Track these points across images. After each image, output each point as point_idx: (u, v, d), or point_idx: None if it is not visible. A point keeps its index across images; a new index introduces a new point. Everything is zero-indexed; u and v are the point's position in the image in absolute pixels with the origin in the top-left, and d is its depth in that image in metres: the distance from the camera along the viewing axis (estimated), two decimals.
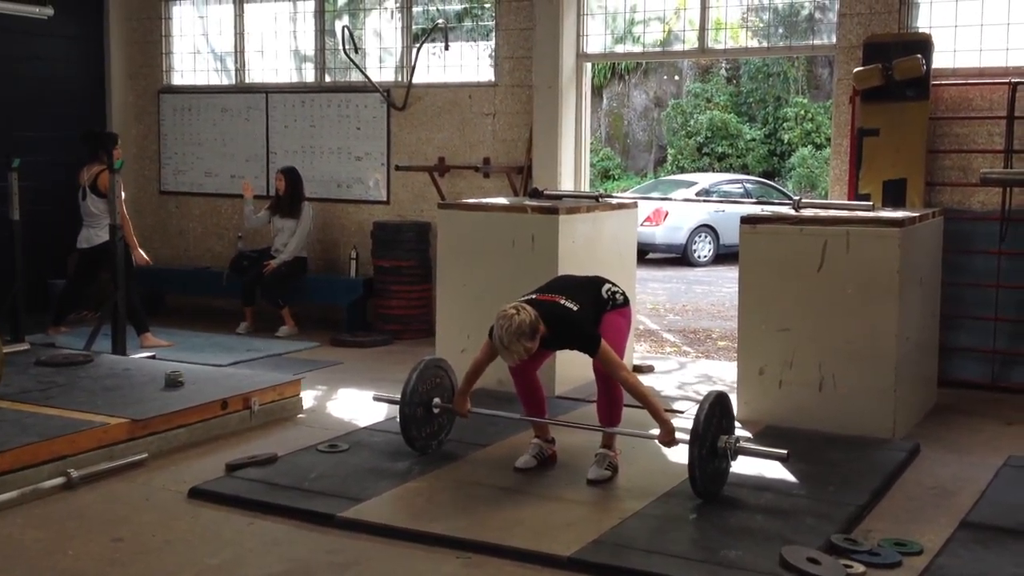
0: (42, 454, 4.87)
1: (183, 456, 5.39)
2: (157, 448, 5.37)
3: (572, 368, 6.45)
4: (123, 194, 7.74)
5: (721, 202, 16.52)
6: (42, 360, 6.67)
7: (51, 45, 9.60)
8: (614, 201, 7.46)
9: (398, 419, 5.22)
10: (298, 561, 4.05)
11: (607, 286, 5.11)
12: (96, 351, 7.21)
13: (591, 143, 9.64)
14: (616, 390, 4.95)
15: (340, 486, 4.79)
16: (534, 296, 4.93)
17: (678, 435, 4.73)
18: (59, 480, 4.81)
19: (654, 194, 17.59)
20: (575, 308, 4.85)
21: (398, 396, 5.23)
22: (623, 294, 5.15)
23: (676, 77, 25.88)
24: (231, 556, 4.10)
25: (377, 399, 5.81)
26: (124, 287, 7.47)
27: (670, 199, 16.73)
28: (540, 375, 5.23)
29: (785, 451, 4.72)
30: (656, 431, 4.82)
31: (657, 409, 4.81)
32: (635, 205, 7.60)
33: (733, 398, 6.25)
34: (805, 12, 8.53)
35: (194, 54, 10.06)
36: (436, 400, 5.31)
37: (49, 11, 8.48)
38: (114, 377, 6.32)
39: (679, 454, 5.38)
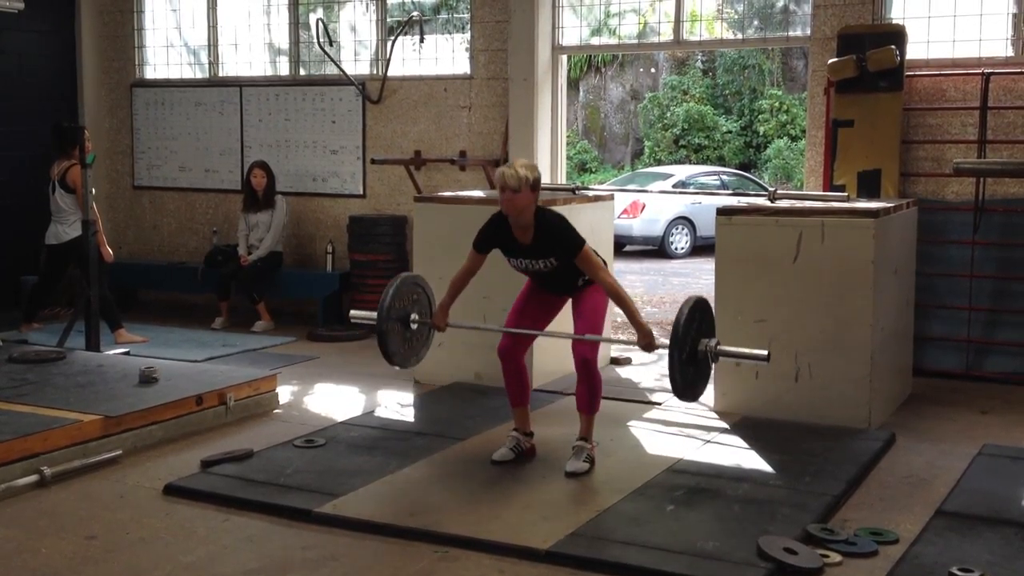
0: (15, 452, 4.82)
1: (158, 453, 5.35)
2: (131, 445, 5.33)
3: (551, 361, 6.45)
4: (93, 189, 7.67)
5: (698, 194, 16.54)
6: (14, 357, 6.61)
7: (22, 39, 9.49)
8: (591, 193, 7.45)
9: (376, 335, 5.10)
10: (274, 557, 4.03)
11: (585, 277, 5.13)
12: (69, 347, 7.15)
13: (568, 136, 9.65)
14: (595, 378, 4.96)
15: (316, 481, 4.76)
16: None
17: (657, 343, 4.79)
18: (32, 478, 4.77)
19: (631, 186, 17.60)
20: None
21: (375, 314, 5.12)
22: None
23: (652, 70, 25.90)
24: (206, 553, 4.07)
25: (354, 318, 5.65)
26: (98, 283, 7.41)
27: (647, 191, 16.73)
28: None
29: (766, 352, 4.73)
30: (636, 358, 4.86)
31: (636, 315, 4.83)
32: (612, 197, 7.60)
33: (710, 390, 6.28)
34: (780, 4, 8.56)
35: (167, 47, 9.98)
36: (414, 316, 5.23)
37: (20, 4, 8.38)
38: (87, 374, 6.27)
39: (657, 447, 5.40)
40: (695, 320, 4.65)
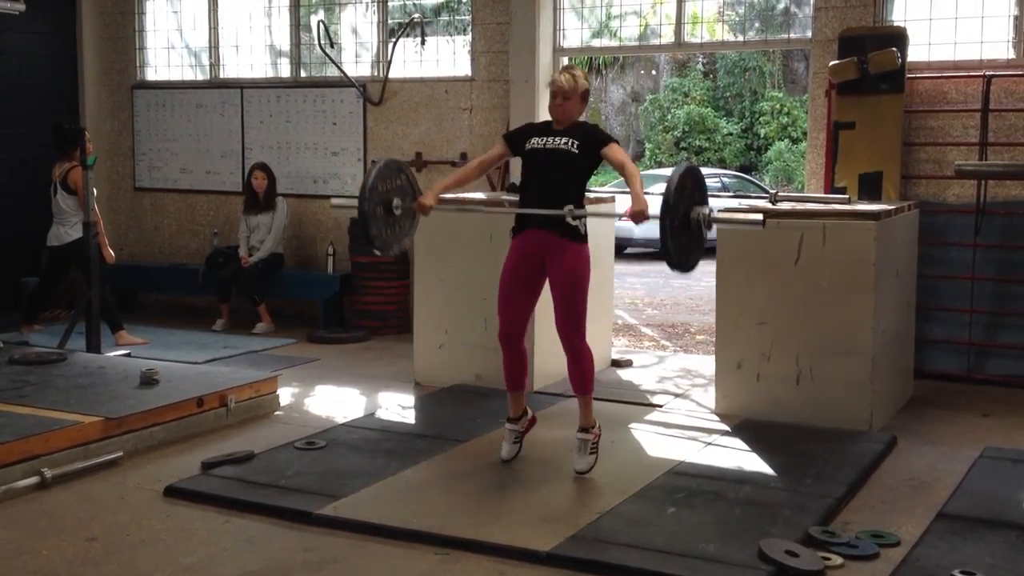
0: (15, 453, 4.81)
1: (159, 454, 5.34)
2: (132, 446, 5.32)
3: (552, 363, 6.44)
4: (95, 191, 7.68)
5: None
6: (15, 358, 6.60)
7: (23, 40, 9.49)
8: (592, 195, 7.44)
9: (357, 216, 5.01)
10: (274, 559, 4.02)
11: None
12: (70, 349, 7.15)
13: None
14: (584, 356, 4.86)
15: (317, 483, 4.76)
16: None
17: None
18: (33, 479, 4.76)
19: None
20: None
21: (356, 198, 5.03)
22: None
23: (653, 72, 25.94)
24: (206, 555, 4.06)
25: (335, 205, 5.66)
26: (99, 284, 7.41)
27: (648, 193, 16.70)
28: None
29: (760, 216, 4.69)
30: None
31: (638, 188, 4.76)
32: (613, 199, 7.60)
33: (711, 392, 6.29)
34: (781, 6, 8.56)
35: (168, 49, 9.98)
36: (396, 201, 5.14)
37: (21, 6, 8.39)
38: (88, 375, 6.26)
39: (658, 449, 5.40)
40: (686, 187, 4.56)
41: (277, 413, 6.19)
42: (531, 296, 5.07)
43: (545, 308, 5.11)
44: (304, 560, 4.01)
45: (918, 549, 4.04)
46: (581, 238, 4.89)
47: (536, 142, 4.96)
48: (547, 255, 4.89)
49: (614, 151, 4.89)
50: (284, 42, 9.46)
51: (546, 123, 5.07)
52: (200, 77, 9.87)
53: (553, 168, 4.89)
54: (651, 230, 17.24)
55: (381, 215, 5.06)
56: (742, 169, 22.59)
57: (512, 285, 5.01)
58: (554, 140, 4.91)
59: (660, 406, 6.31)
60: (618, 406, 6.20)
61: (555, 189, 4.88)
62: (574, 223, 4.85)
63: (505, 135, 5.20)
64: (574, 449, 4.94)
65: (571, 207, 4.84)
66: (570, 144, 4.87)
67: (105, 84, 10.11)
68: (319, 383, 6.96)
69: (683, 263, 4.61)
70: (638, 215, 4.63)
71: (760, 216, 4.67)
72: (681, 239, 4.54)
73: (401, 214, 5.14)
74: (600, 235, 7.17)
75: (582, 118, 5.17)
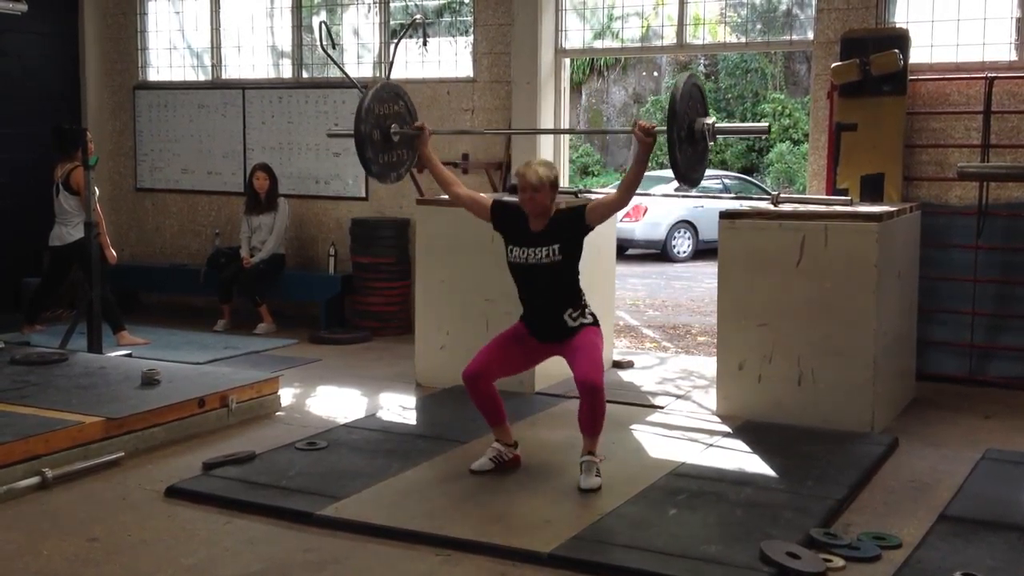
0: (16, 453, 4.82)
1: (160, 455, 5.34)
2: (133, 447, 5.32)
3: (553, 364, 6.42)
4: (97, 191, 7.68)
5: (700, 197, 16.52)
6: (16, 359, 6.60)
7: (24, 41, 9.50)
8: (593, 197, 7.43)
9: (353, 142, 4.93)
10: (275, 560, 4.02)
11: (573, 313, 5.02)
12: (72, 349, 7.15)
13: (570, 139, 9.63)
14: (600, 403, 4.73)
15: (318, 484, 4.76)
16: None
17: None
18: (34, 480, 4.76)
19: None
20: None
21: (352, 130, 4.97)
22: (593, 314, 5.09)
23: (655, 73, 25.91)
24: (207, 555, 4.06)
25: (331, 133, 5.80)
26: (100, 284, 7.41)
27: (649, 195, 16.74)
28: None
29: (766, 124, 4.73)
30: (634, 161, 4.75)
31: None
32: None
33: (712, 393, 6.28)
34: (783, 7, 8.55)
35: (170, 50, 9.98)
36: (394, 127, 5.04)
37: (23, 7, 8.39)
38: (89, 375, 6.26)
39: (660, 451, 5.40)
40: (689, 97, 4.53)
41: (278, 414, 6.19)
42: (520, 364, 5.10)
43: None
44: (305, 561, 4.01)
45: (920, 551, 4.03)
46: (591, 325, 4.90)
47: (517, 254, 4.85)
48: (560, 350, 4.92)
49: (596, 207, 4.83)
50: (286, 43, 9.46)
51: (524, 218, 4.89)
52: (202, 78, 9.88)
53: (540, 283, 4.86)
54: (650, 230, 17.26)
55: (378, 140, 4.97)
56: (743, 171, 22.56)
57: (511, 344, 4.97)
58: (535, 252, 4.80)
59: (661, 407, 6.31)
60: (619, 407, 6.19)
61: (548, 303, 4.87)
62: (576, 323, 4.84)
63: (494, 205, 5.02)
64: (580, 470, 4.78)
65: (570, 310, 4.83)
66: (551, 253, 4.78)
67: (107, 85, 10.11)
68: (320, 384, 6.96)
69: (691, 176, 4.58)
70: (644, 130, 4.59)
71: (766, 124, 4.70)
72: (687, 150, 4.50)
73: (399, 140, 5.04)
74: (600, 235, 7.17)
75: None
